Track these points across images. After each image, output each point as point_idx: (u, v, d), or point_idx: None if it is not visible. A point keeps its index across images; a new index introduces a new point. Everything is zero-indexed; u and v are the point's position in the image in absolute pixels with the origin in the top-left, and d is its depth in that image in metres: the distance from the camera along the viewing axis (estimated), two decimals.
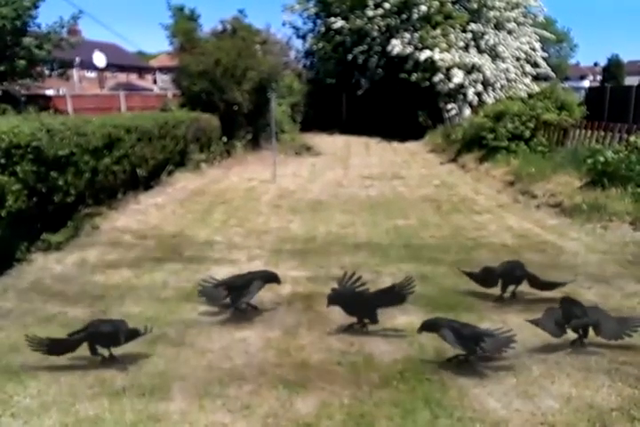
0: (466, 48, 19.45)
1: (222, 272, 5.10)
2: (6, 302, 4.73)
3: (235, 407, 3.15)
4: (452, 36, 19.13)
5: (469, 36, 19.59)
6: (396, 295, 4.04)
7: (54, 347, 3.56)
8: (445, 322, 3.64)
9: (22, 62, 10.83)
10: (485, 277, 4.71)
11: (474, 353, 3.56)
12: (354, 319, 4.11)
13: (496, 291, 4.67)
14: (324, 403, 3.18)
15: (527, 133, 11.94)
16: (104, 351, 3.61)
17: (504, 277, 4.62)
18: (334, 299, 4.12)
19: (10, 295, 4.88)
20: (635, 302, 4.62)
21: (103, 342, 3.59)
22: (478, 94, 18.90)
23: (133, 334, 3.64)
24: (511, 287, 4.65)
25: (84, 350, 3.65)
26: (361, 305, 4.07)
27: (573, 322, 3.78)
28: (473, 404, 3.15)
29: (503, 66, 19.70)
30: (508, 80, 19.73)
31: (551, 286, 4.62)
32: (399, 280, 4.10)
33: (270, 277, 4.55)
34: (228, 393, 3.28)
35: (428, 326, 3.66)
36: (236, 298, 4.39)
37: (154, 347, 3.83)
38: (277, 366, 3.61)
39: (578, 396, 3.22)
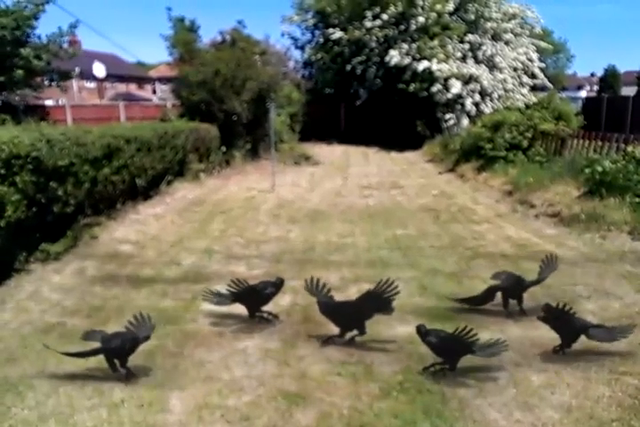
0: (463, 59, 19.61)
1: (221, 282, 5.09)
2: (4, 312, 4.71)
3: (234, 419, 3.13)
4: (450, 47, 19.28)
5: (467, 46, 19.76)
6: (378, 300, 3.96)
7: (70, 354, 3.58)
8: (433, 331, 3.65)
9: (21, 73, 10.87)
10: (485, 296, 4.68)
11: (451, 365, 3.55)
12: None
13: (494, 302, 4.67)
14: (323, 414, 3.16)
15: (525, 143, 12.00)
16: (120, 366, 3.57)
17: (504, 292, 4.61)
18: (324, 310, 4.11)
19: (8, 306, 4.86)
20: (634, 311, 4.61)
21: (118, 355, 3.55)
22: (476, 104, 19.02)
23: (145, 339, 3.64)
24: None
25: (84, 360, 3.64)
26: (349, 316, 4.04)
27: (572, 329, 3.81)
28: (473, 415, 3.14)
29: (500, 76, 19.84)
30: (506, 90, 19.87)
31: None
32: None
33: (279, 283, 4.54)
34: (227, 404, 3.27)
35: (420, 331, 3.67)
36: (252, 307, 4.44)
37: (153, 358, 3.82)
38: (277, 376, 3.59)
39: (578, 406, 3.21)
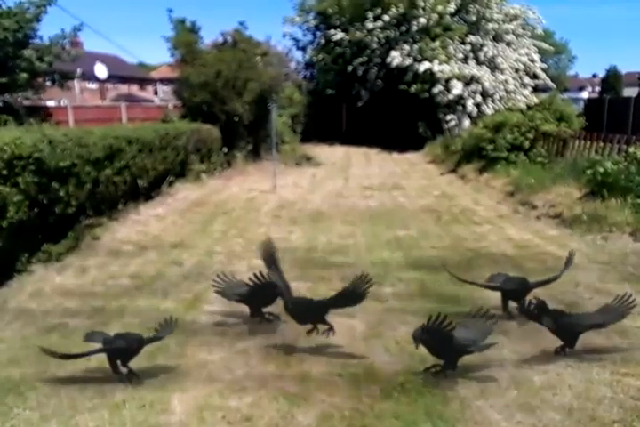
0: (465, 60, 19.61)
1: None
2: (6, 313, 4.72)
3: (235, 419, 3.13)
4: (451, 48, 19.29)
5: (468, 47, 19.77)
6: (351, 296, 3.92)
7: (68, 355, 3.56)
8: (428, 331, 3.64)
9: (23, 75, 10.88)
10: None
11: (453, 365, 3.55)
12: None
13: (495, 303, 4.66)
14: (324, 415, 3.16)
15: (526, 144, 11.99)
16: (122, 366, 3.55)
17: (506, 294, 4.56)
18: (290, 310, 4.09)
19: (10, 306, 4.87)
20: (635, 313, 4.60)
21: (121, 356, 3.53)
22: (477, 105, 19.02)
23: (152, 340, 3.63)
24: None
25: (86, 362, 3.64)
26: (313, 312, 4.03)
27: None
28: (475, 416, 3.14)
29: (502, 77, 19.84)
30: (507, 91, 19.87)
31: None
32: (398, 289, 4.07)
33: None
34: (228, 405, 3.27)
35: (417, 338, 3.63)
36: (256, 307, 4.43)
37: (154, 359, 3.82)
38: (278, 377, 3.59)
39: (580, 408, 3.21)
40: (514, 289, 4.52)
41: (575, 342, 3.82)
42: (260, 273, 4.25)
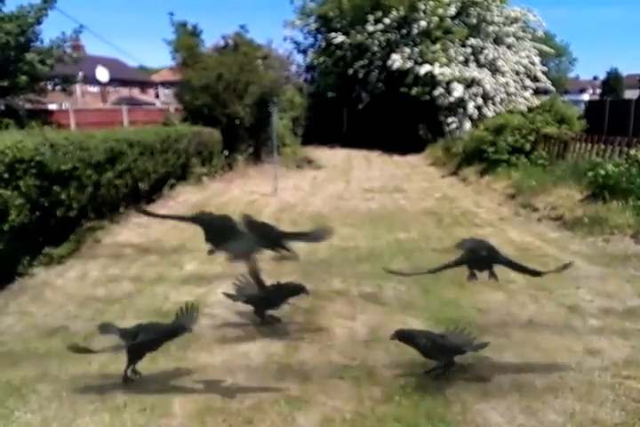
0: (465, 62, 19.64)
1: (225, 286, 5.10)
2: (8, 316, 4.72)
3: (236, 423, 3.13)
4: (452, 51, 19.33)
5: (469, 50, 19.80)
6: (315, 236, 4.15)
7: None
8: (421, 333, 3.64)
9: (25, 78, 10.91)
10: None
11: (451, 365, 3.56)
12: None
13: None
14: (326, 418, 3.16)
15: (527, 147, 12.00)
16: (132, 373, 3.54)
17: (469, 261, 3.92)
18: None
19: (11, 310, 4.87)
20: (637, 315, 4.60)
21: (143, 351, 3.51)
22: (478, 108, 19.04)
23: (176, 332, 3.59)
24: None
25: (87, 365, 3.65)
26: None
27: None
28: (476, 419, 3.13)
29: (503, 80, 19.86)
30: (508, 94, 19.89)
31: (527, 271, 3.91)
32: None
33: (297, 290, 4.50)
34: (229, 408, 3.27)
35: (402, 336, 3.61)
36: (260, 309, 4.44)
37: (155, 361, 3.82)
38: (279, 380, 3.59)
39: (581, 411, 3.20)
40: (477, 258, 3.88)
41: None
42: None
